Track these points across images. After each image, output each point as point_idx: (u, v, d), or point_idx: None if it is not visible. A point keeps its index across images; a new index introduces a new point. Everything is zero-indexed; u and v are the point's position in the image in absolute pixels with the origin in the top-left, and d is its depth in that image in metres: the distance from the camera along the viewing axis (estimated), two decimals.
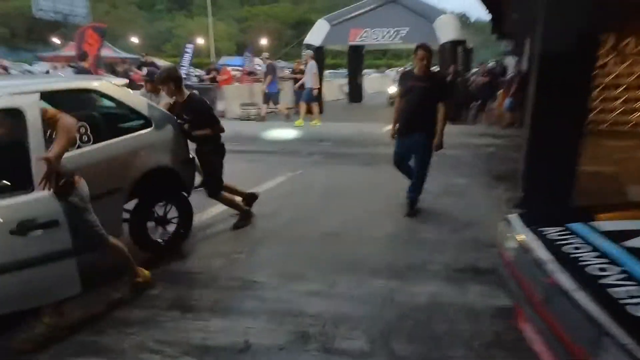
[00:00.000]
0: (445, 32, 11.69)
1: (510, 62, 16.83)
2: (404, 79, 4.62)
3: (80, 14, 45.92)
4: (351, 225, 4.24)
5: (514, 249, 2.36)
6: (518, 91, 10.43)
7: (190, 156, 4.04)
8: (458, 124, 11.35)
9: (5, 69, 13.09)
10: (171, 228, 3.80)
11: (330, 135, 9.67)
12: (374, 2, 12.77)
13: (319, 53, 13.30)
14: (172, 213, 3.80)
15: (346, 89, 19.41)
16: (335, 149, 8.29)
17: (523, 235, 2.31)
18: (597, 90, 9.01)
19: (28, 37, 47.57)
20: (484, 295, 3.06)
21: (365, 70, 21.78)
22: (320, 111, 13.58)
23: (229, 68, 30.06)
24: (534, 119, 4.71)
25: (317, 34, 13.23)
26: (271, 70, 11.64)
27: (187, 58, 19.70)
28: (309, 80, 11.16)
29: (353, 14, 12.98)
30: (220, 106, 12.66)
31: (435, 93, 4.29)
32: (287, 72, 14.97)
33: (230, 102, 12.47)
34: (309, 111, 11.21)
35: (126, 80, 3.80)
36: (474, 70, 14.53)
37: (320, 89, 13.53)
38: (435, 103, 4.27)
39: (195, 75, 19.19)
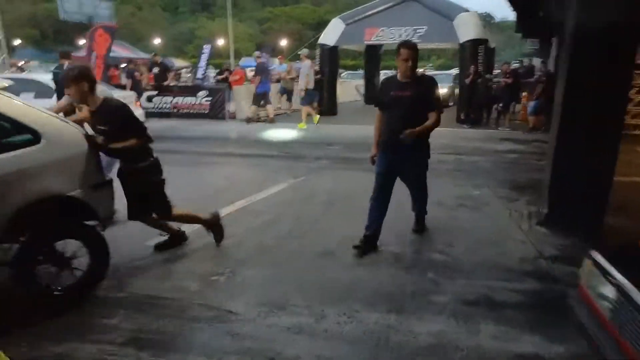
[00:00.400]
0: (466, 30, 11.06)
1: (536, 62, 16.01)
2: (386, 87, 3.63)
3: (104, 15, 46.82)
4: (351, 242, 3.75)
5: (609, 302, 1.81)
6: (544, 93, 9.74)
7: (106, 178, 3.19)
8: (478, 127, 10.73)
9: (21, 69, 13.06)
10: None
11: (341, 138, 9.19)
12: (391, 0, 12.22)
13: (333, 53, 12.83)
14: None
15: (362, 89, 18.89)
16: (344, 153, 7.80)
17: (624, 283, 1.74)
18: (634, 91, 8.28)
19: (56, 38, 48.70)
20: (499, 337, 2.54)
21: (383, 71, 21.23)
22: (334, 112, 13.13)
23: (248, 69, 29.87)
24: (562, 123, 4.13)
25: (331, 33, 12.76)
26: (260, 70, 11.31)
27: (204, 59, 19.52)
28: (302, 81, 10.96)
29: (368, 13, 12.44)
30: (230, 107, 12.32)
31: (425, 101, 3.42)
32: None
33: (241, 103, 12.12)
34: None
35: (5, 84, 2.93)
36: (497, 71, 13.82)
37: (334, 90, 13.11)
38: (425, 112, 3.42)
39: (213, 77, 19.02)
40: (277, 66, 14.92)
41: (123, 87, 11.24)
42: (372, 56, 16.45)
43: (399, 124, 3.33)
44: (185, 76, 27.35)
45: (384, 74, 25.69)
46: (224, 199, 5.00)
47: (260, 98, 11.22)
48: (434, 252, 3.67)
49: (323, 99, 12.97)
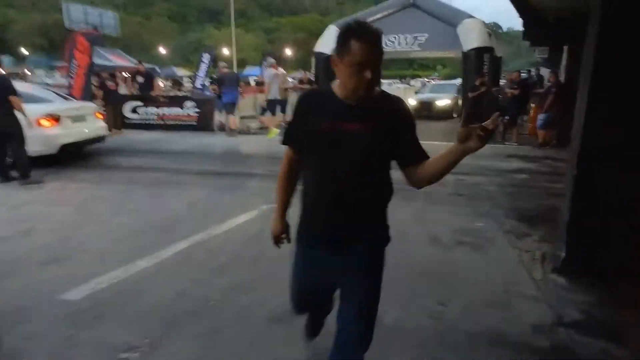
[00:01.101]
0: (470, 38, 10.27)
1: (544, 72, 15.13)
2: (312, 109, 1.65)
3: (110, 25, 46.82)
4: None
5: None
6: (555, 104, 8.87)
7: None
8: None
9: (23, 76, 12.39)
10: None
11: None
12: (392, 6, 11.49)
13: (329, 62, 12.08)
14: None
15: None
16: None
17: None
18: None
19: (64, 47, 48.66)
20: None
21: (387, 81, 20.45)
22: None
23: (251, 78, 29.36)
24: (585, 139, 3.26)
25: (327, 40, 12.03)
26: (224, 79, 10.84)
27: (203, 68, 18.91)
28: (272, 90, 10.54)
29: (368, 20, 11.69)
30: (221, 118, 11.60)
31: (390, 144, 1.60)
32: (290, 82, 13.85)
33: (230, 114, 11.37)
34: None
35: None
36: (503, 82, 12.97)
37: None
38: (386, 166, 1.66)
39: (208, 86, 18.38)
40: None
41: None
42: None
43: (339, 192, 1.59)
44: (187, 85, 26.87)
45: (390, 84, 24.69)
46: (180, 231, 4.21)
47: (224, 108, 10.69)
48: (422, 315, 2.82)
49: None
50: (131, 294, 3.04)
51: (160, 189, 5.75)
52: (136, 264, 3.45)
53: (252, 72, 31.98)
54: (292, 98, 12.61)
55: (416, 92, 17.86)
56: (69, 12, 39.64)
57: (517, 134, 10.00)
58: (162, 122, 11.14)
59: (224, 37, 49.34)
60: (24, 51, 47.18)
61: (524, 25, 11.41)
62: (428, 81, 30.47)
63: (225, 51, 47.41)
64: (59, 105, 7.16)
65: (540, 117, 9.44)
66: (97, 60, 22.65)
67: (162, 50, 50.07)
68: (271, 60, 11.07)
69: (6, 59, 38.36)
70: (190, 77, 26.58)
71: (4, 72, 5.72)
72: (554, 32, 10.23)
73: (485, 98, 9.76)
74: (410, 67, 46.24)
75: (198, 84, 18.63)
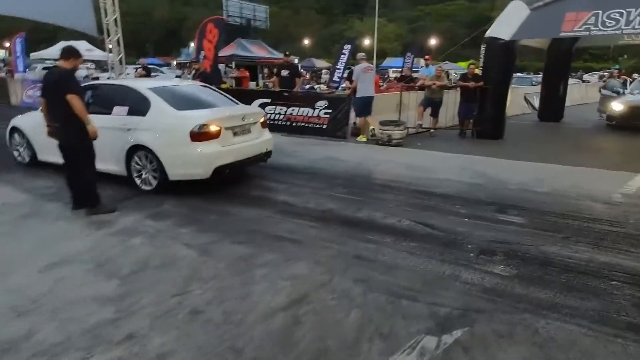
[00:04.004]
0: None
1: None
2: None
3: (261, 18, 48.04)
4: None
5: None
6: None
7: None
8: None
9: (146, 69, 11.86)
10: None
11: (513, 189, 5.29)
12: None
13: (507, 50, 8.64)
14: None
15: (534, 100, 14.00)
16: (525, 239, 3.93)
17: None
18: None
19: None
20: None
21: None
22: (499, 135, 8.96)
23: (391, 70, 26.38)
24: None
25: (507, 22, 8.60)
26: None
27: (342, 59, 16.86)
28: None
29: None
30: (357, 122, 9.14)
31: None
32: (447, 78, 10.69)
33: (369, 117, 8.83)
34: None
35: None
36: None
37: (502, 102, 9.02)
38: None
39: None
40: (424, 69, 11.23)
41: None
42: (560, 54, 11.52)
43: None
44: (325, 77, 25.33)
45: (576, 80, 19.71)
46: None
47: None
48: None
49: (485, 114, 8.95)
50: None
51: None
52: None
53: (392, 64, 29.08)
54: (447, 98, 9.57)
55: (602, 90, 13.06)
56: (227, 7, 41.32)
57: None
58: (287, 124, 9.15)
59: (365, 27, 47.18)
60: (192, 45, 51.74)
61: None
62: (606, 74, 23.77)
63: (366, 42, 45.32)
64: (220, 112, 5.30)
65: None
66: (239, 52, 22.24)
67: (306, 42, 50.17)
68: (361, 54, 9.02)
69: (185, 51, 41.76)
70: (329, 69, 24.83)
71: (66, 65, 4.09)
72: None
73: None
74: (579, 58, 37.80)
75: (336, 77, 16.65)
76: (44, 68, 25.37)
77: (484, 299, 2.86)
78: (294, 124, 9.12)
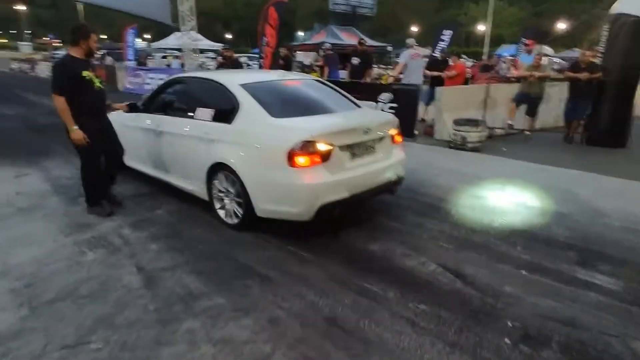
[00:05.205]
0: None
1: None
2: None
3: (367, 5, 46.74)
4: None
5: None
6: None
7: None
8: None
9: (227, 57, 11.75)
10: None
11: (614, 228, 3.65)
12: None
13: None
14: None
15: None
16: None
17: None
18: None
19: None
20: None
21: None
22: (621, 142, 6.85)
23: (501, 58, 23.21)
24: None
25: None
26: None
27: (441, 47, 15.11)
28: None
29: None
30: (425, 115, 7.78)
31: None
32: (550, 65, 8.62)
33: (444, 114, 7.41)
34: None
35: None
36: None
37: (627, 100, 6.94)
38: None
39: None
40: (524, 56, 9.16)
41: None
42: None
43: None
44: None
45: None
46: None
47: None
48: None
49: (601, 115, 6.93)
50: None
51: None
52: None
53: (504, 52, 25.76)
54: (549, 93, 7.68)
55: None
56: None
57: None
58: None
59: (481, 12, 43.03)
60: (299, 33, 52.65)
61: None
62: None
63: (480, 27, 41.36)
64: (333, 122, 3.68)
65: None
66: (328, 39, 21.47)
67: (414, 28, 47.63)
68: (411, 40, 8.59)
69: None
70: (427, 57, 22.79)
71: (76, 52, 3.59)
72: None
73: None
74: None
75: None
76: (163, 57, 27.66)
77: None
78: None
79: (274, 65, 8.48)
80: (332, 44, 21.42)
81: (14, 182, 4.91)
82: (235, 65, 8.64)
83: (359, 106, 4.25)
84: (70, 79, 3.56)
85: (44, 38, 46.67)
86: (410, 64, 8.09)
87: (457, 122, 6.74)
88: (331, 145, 3.27)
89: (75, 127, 3.59)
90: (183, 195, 4.24)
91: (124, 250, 3.29)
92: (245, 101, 3.61)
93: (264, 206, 3.39)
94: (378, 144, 3.73)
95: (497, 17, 35.91)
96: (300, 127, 3.36)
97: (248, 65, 18.72)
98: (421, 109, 8.09)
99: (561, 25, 35.24)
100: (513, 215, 4.04)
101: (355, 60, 9.09)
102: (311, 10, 55.67)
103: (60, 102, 3.53)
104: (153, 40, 41.32)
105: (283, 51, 9.65)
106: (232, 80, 3.92)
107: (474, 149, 6.62)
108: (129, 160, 4.71)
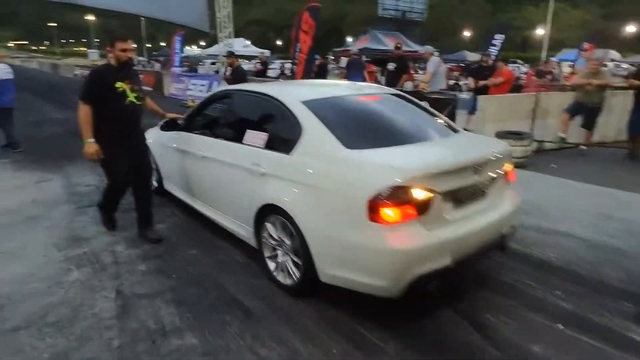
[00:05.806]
0: None
1: None
2: None
3: (418, 10, 45.59)
4: None
5: None
6: None
7: None
8: None
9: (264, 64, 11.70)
10: None
11: None
12: None
13: None
14: None
15: None
16: None
17: None
18: None
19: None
20: None
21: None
22: None
23: (566, 63, 21.63)
24: None
25: None
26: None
27: (492, 52, 14.22)
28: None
29: None
30: (469, 125, 7.15)
31: None
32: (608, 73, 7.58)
33: (487, 124, 6.74)
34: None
35: None
36: None
37: None
38: None
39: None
40: (581, 62, 8.20)
41: None
42: None
43: None
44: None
45: None
46: None
47: None
48: None
49: None
50: None
51: None
52: None
53: (565, 57, 23.97)
54: (609, 102, 6.79)
55: None
56: (384, 1, 40.39)
57: None
58: None
59: (541, 15, 40.70)
60: (348, 39, 52.48)
61: None
62: None
63: (539, 31, 39.19)
64: (434, 157, 2.59)
65: None
66: (372, 45, 20.94)
67: (467, 33, 46.03)
68: (430, 48, 8.55)
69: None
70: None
71: (111, 59, 3.29)
72: None
73: None
74: None
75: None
76: (212, 63, 28.43)
77: None
78: None
79: (306, 74, 8.20)
80: (374, 49, 20.99)
81: (34, 188, 4.94)
82: (238, 74, 7.58)
83: (456, 130, 3.20)
84: (101, 88, 3.26)
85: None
86: (438, 71, 8.07)
87: (499, 135, 6.07)
88: (431, 191, 2.30)
89: (90, 140, 3.27)
90: (189, 209, 4.01)
91: (109, 270, 3.08)
92: (310, 125, 2.70)
93: (331, 271, 2.47)
94: (490, 186, 2.71)
95: (559, 21, 33.73)
96: (388, 164, 2.36)
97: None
98: (464, 119, 7.46)
99: (630, 28, 32.48)
100: (554, 248, 3.42)
101: (391, 66, 8.60)
102: (361, 17, 55.43)
103: (82, 111, 3.25)
104: (206, 47, 42.90)
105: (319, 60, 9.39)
106: (292, 95, 3.03)
107: (519, 165, 5.91)
108: (168, 185, 4.27)
